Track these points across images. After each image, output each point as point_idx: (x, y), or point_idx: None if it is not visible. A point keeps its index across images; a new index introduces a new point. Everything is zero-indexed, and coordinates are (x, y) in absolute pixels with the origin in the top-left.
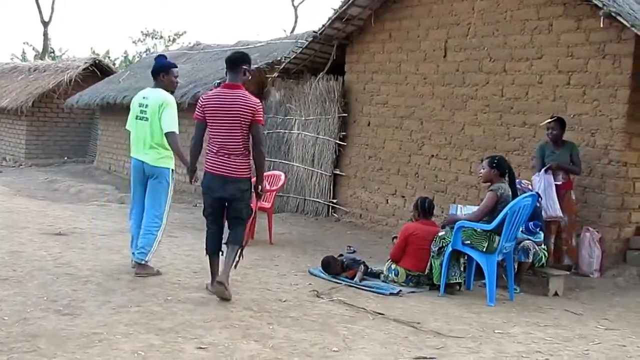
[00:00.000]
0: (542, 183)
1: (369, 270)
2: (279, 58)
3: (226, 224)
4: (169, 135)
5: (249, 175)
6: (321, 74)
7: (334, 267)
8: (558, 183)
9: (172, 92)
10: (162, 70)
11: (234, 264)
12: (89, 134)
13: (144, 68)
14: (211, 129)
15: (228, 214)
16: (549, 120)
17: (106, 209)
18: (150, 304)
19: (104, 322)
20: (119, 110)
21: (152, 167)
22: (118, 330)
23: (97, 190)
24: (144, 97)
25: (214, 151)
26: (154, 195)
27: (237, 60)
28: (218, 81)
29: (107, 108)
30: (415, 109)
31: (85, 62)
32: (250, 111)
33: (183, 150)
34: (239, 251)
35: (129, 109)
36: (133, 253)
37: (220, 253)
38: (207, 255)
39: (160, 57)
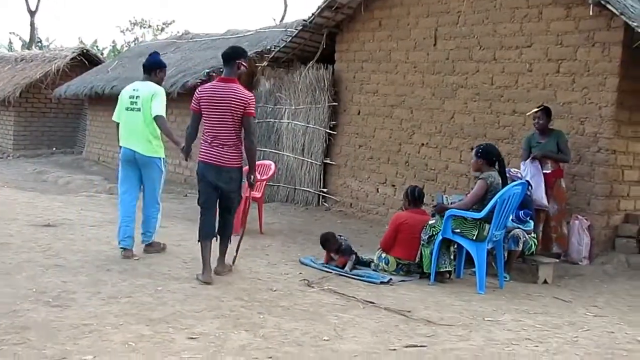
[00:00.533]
0: (527, 172)
1: (360, 259)
2: (268, 47)
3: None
4: (157, 118)
5: (240, 165)
6: (311, 62)
7: (332, 244)
8: (547, 172)
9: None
10: (158, 67)
11: (232, 260)
12: (78, 124)
13: (132, 58)
14: (205, 120)
15: (220, 203)
16: (535, 110)
17: (95, 199)
18: (140, 294)
19: (94, 313)
20: (107, 100)
21: (146, 157)
22: (108, 321)
23: (85, 181)
24: (134, 89)
25: (208, 141)
26: (150, 184)
27: (231, 55)
28: (207, 70)
29: (96, 98)
30: (405, 97)
31: (73, 52)
32: (242, 104)
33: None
34: (234, 244)
35: (117, 99)
36: (121, 241)
37: (215, 239)
38: (200, 242)
39: (155, 54)
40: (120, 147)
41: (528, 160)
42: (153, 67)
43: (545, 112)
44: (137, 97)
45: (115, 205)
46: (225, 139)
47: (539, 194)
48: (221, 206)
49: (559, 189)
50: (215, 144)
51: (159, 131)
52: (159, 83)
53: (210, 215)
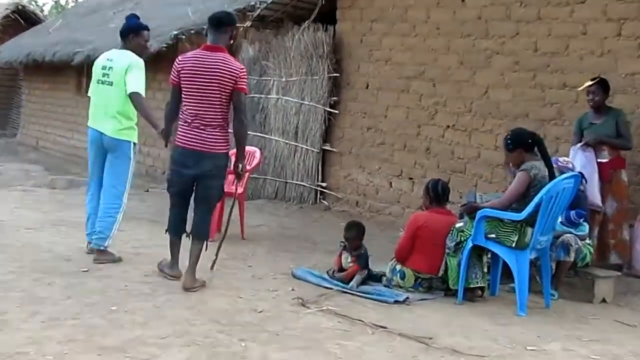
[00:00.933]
0: (577, 162)
1: (370, 273)
2: (252, 2)
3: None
4: (133, 95)
5: (227, 150)
6: (306, 23)
7: (359, 236)
8: (603, 161)
9: (140, 57)
10: (132, 31)
11: (211, 265)
12: (11, 100)
13: (80, 16)
14: (186, 95)
15: (197, 193)
16: (589, 83)
17: (33, 195)
18: (90, 315)
19: (31, 339)
20: (48, 69)
21: (112, 139)
22: (50, 349)
23: (21, 172)
24: (108, 59)
25: (188, 122)
26: (113, 172)
27: (223, 20)
28: (175, 32)
29: (34, 67)
30: (425, 67)
31: (6, 9)
32: (232, 77)
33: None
34: (206, 247)
35: (62, 69)
36: (88, 235)
37: (185, 235)
38: (168, 234)
39: (132, 17)
40: (89, 127)
41: (578, 147)
42: (127, 32)
43: (602, 85)
44: (110, 68)
45: (59, 202)
46: (209, 118)
47: (591, 191)
48: (197, 199)
49: (618, 183)
50: (196, 124)
51: (134, 112)
52: (139, 50)
53: (181, 209)
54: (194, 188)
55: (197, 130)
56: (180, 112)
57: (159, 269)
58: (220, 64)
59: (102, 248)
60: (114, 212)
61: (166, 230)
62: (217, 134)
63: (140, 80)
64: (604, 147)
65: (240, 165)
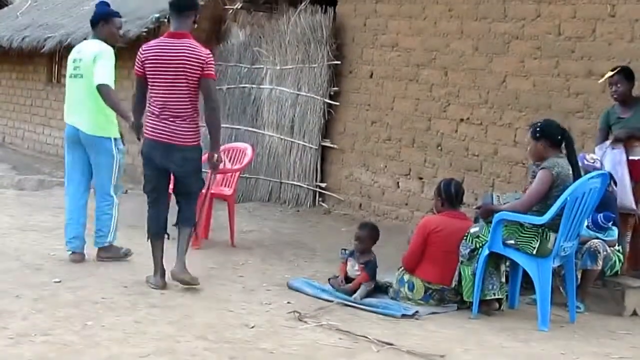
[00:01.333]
0: (606, 161)
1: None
2: None
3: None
4: (100, 87)
5: (198, 142)
6: (303, 4)
7: (371, 238)
8: (636, 158)
9: (112, 46)
10: (102, 19)
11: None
12: None
13: None
14: (152, 86)
15: (175, 189)
16: (610, 73)
17: None
18: (62, 331)
19: None
20: (16, 57)
21: (89, 137)
22: None
23: None
24: (77, 51)
25: (156, 113)
26: (97, 171)
27: (186, 4)
28: (157, 15)
29: (0, 54)
30: (437, 53)
31: None
32: (198, 64)
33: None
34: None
35: (32, 56)
36: (68, 242)
37: (166, 236)
38: (149, 240)
39: (102, 4)
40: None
41: (608, 144)
42: (97, 20)
43: (625, 74)
44: (80, 60)
45: (28, 205)
46: (177, 109)
47: (622, 192)
48: (179, 194)
49: None
50: (164, 116)
51: (102, 103)
52: (110, 38)
53: (159, 208)
54: (171, 184)
55: (165, 121)
56: (148, 104)
57: (146, 282)
58: (186, 51)
59: (105, 244)
60: (107, 209)
61: (148, 238)
62: (187, 125)
63: (108, 71)
64: (636, 142)
65: (216, 156)
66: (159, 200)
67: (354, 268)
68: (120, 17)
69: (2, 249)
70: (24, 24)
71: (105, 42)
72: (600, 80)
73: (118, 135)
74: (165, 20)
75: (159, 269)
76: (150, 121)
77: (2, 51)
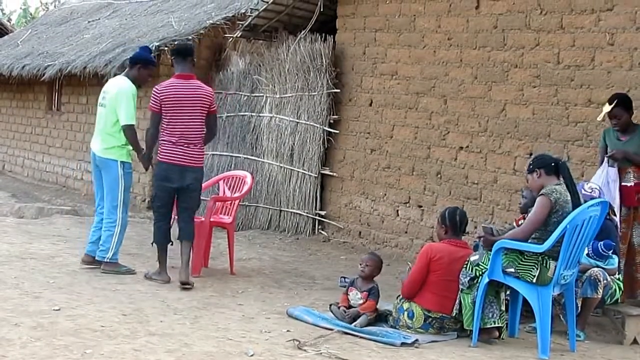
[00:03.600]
0: (605, 178)
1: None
2: (242, 10)
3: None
4: (124, 128)
5: (203, 165)
6: (303, 32)
7: (377, 267)
8: (628, 184)
9: (138, 87)
10: (140, 62)
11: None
12: None
13: (51, 25)
14: (170, 119)
15: (180, 203)
16: (607, 108)
17: None
18: (61, 359)
19: None
20: (16, 85)
21: (100, 159)
22: None
23: None
24: (107, 85)
25: (173, 141)
26: (106, 190)
27: (189, 51)
28: (157, 44)
29: (0, 82)
30: (436, 81)
31: None
32: (209, 101)
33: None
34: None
35: (32, 84)
36: (87, 244)
37: (170, 244)
38: (155, 245)
39: (145, 49)
40: None
41: (605, 163)
42: (135, 62)
43: (623, 105)
44: (106, 91)
45: (27, 233)
46: (193, 138)
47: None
48: (181, 208)
49: None
50: (181, 143)
51: (121, 133)
52: (140, 80)
53: (165, 223)
54: (176, 200)
55: (182, 147)
56: (161, 133)
57: (147, 278)
58: (199, 90)
59: (105, 260)
60: (110, 226)
61: (152, 243)
62: (198, 150)
63: (129, 110)
64: (629, 169)
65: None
66: (166, 216)
67: (356, 297)
68: (155, 65)
69: (1, 276)
70: (24, 52)
71: (134, 81)
72: (600, 117)
73: (126, 159)
74: (166, 48)
75: (164, 268)
76: (167, 148)
77: (3, 79)
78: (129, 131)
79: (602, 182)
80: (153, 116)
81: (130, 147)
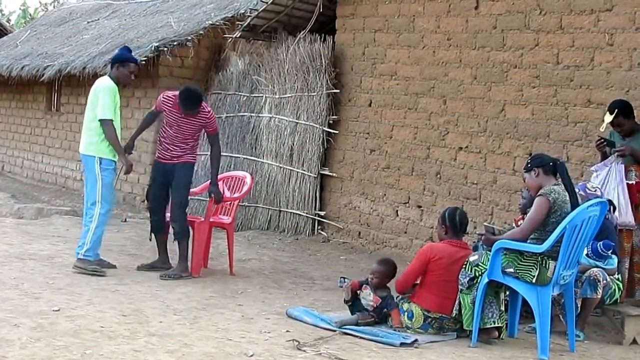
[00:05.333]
0: (609, 176)
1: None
2: (242, 11)
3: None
4: (100, 122)
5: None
6: (302, 33)
7: (388, 275)
8: (630, 182)
9: (124, 86)
10: (117, 61)
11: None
12: None
13: (50, 26)
14: (165, 122)
15: (170, 201)
16: (609, 118)
17: None
18: None
19: None
20: (15, 86)
21: (82, 155)
22: None
23: None
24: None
25: (162, 142)
26: (86, 185)
27: (198, 100)
28: (155, 44)
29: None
30: (435, 82)
31: None
32: (204, 124)
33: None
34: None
35: (31, 84)
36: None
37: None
38: (153, 235)
39: (124, 48)
40: None
41: (612, 158)
42: (114, 62)
43: (623, 113)
44: (92, 91)
45: (26, 233)
46: (180, 140)
47: (625, 208)
48: (171, 203)
49: None
50: (167, 143)
51: (100, 127)
52: (122, 79)
53: (156, 217)
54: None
55: (167, 146)
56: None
57: (141, 268)
58: (197, 115)
59: (80, 257)
60: (87, 222)
61: (150, 238)
62: (183, 150)
63: (105, 105)
64: (631, 167)
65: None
66: (157, 210)
67: (369, 297)
68: (137, 63)
69: (0, 277)
70: (24, 52)
71: (117, 81)
72: (602, 128)
73: (105, 155)
74: (165, 49)
75: (165, 255)
76: (158, 147)
77: (2, 80)
78: (104, 126)
79: (607, 180)
80: (154, 111)
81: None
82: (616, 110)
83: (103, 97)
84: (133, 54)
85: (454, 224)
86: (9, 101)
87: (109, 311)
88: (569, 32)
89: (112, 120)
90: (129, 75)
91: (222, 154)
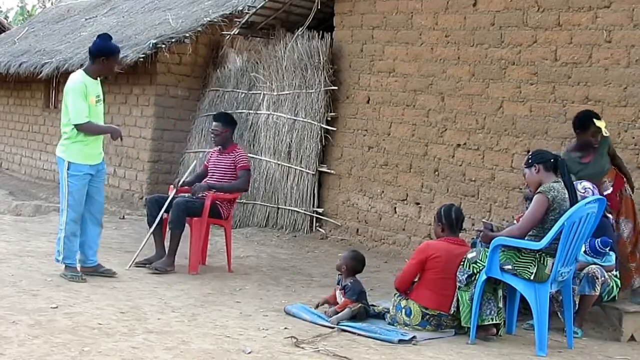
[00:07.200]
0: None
1: (367, 308)
2: (240, 7)
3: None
4: (79, 128)
5: None
6: (300, 29)
7: (351, 265)
8: (608, 192)
9: (105, 78)
10: (103, 54)
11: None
12: None
13: (48, 23)
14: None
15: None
16: (603, 122)
17: None
18: (59, 357)
19: None
20: (13, 82)
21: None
22: None
23: None
24: None
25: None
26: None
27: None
28: (154, 41)
29: None
30: (433, 79)
31: None
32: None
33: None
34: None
35: (29, 81)
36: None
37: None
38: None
39: (104, 36)
40: None
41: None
42: (98, 54)
43: (582, 125)
44: (64, 92)
45: (24, 230)
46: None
47: None
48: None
49: (626, 200)
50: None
51: (73, 130)
52: (108, 73)
53: (155, 216)
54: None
55: None
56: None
57: (139, 264)
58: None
59: (57, 263)
60: (59, 228)
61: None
62: None
63: (76, 108)
64: (603, 178)
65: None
66: (153, 206)
67: (340, 296)
68: (119, 50)
69: None
70: (22, 49)
71: (100, 74)
72: (606, 132)
73: (75, 160)
74: (163, 46)
75: (159, 248)
76: None
77: (0, 77)
78: (81, 129)
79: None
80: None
81: (87, 144)
82: (581, 120)
83: (72, 100)
84: (131, 51)
85: (450, 221)
86: (7, 98)
87: (107, 308)
88: (567, 29)
89: (87, 121)
90: (114, 68)
91: None
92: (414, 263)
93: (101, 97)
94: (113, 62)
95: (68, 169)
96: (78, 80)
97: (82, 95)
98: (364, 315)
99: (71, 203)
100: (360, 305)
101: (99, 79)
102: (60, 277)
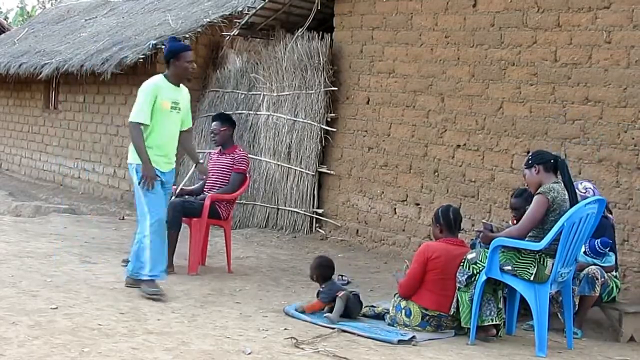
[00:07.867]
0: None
1: (369, 311)
2: (239, 8)
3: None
4: (129, 125)
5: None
6: (300, 30)
7: (319, 272)
8: None
9: (189, 80)
10: (171, 56)
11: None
12: None
13: (48, 24)
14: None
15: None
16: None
17: None
18: (59, 358)
19: None
20: (13, 83)
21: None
22: None
23: None
24: None
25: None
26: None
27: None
28: (154, 42)
29: None
30: (433, 79)
31: None
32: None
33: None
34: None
35: (29, 82)
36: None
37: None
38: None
39: (172, 40)
40: None
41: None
42: (167, 58)
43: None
44: None
45: (24, 231)
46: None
47: None
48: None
49: None
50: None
51: (142, 135)
52: (182, 74)
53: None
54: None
55: None
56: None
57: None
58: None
59: (134, 275)
60: (140, 237)
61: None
62: None
63: (137, 107)
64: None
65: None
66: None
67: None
68: (190, 49)
69: None
70: (21, 50)
71: (178, 78)
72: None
73: (139, 162)
74: (163, 47)
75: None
76: None
77: (0, 78)
78: (130, 128)
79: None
80: None
81: (154, 150)
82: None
83: (137, 98)
84: (130, 51)
85: (448, 221)
86: (7, 99)
87: (106, 309)
88: (567, 29)
89: (139, 124)
90: (187, 67)
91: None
92: (417, 267)
93: (180, 104)
94: (183, 61)
95: (137, 172)
96: (152, 82)
97: (148, 96)
98: (355, 303)
99: (149, 206)
100: (343, 293)
101: (181, 85)
102: (140, 295)
